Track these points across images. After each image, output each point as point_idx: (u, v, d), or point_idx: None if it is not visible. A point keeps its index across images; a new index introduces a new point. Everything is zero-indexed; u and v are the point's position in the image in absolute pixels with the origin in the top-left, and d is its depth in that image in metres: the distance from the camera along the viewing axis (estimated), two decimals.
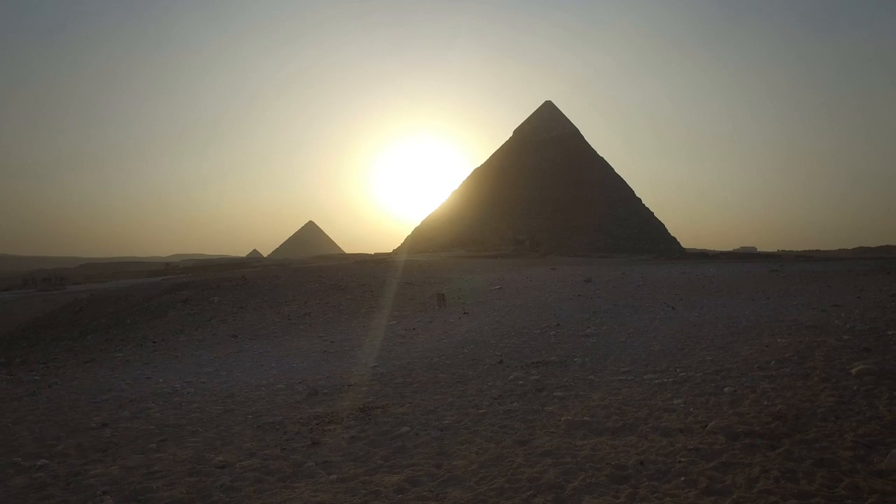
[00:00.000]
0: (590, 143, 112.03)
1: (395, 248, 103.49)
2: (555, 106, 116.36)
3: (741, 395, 7.09)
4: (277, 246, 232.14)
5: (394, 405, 7.89)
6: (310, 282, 28.53)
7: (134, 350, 16.62)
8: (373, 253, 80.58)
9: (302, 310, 20.69)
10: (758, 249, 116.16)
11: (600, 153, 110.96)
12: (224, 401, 9.05)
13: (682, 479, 4.79)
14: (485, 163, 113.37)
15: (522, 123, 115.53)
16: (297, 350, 13.69)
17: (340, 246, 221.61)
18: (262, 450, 6.33)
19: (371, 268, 37.96)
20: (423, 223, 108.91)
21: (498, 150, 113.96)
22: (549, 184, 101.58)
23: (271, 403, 8.63)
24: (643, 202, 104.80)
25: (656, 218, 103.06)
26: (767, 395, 6.91)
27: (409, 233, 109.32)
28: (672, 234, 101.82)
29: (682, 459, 5.16)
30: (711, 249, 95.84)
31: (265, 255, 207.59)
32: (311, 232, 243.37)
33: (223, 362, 12.85)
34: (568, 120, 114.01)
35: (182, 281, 37.83)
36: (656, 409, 6.84)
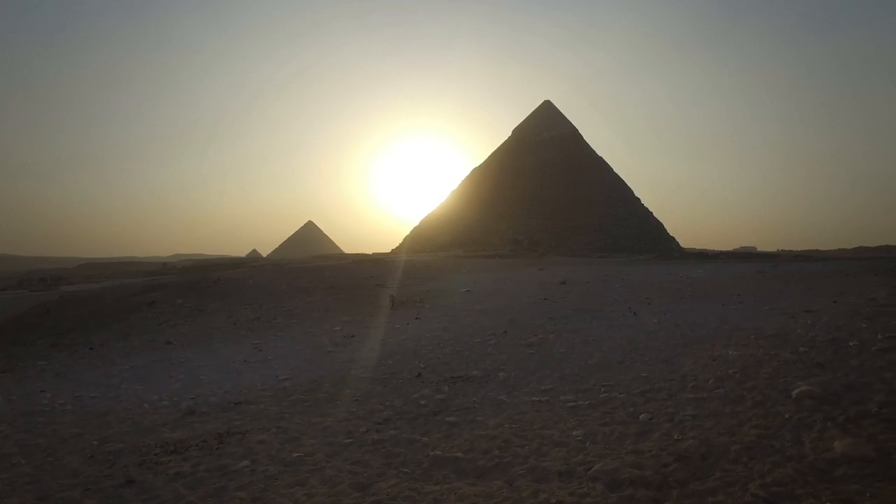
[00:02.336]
0: (590, 143, 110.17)
1: (393, 248, 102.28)
2: (554, 105, 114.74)
3: (655, 424, 5.97)
4: (277, 246, 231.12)
5: (259, 430, 6.81)
6: (279, 284, 27.47)
7: (64, 357, 15.66)
8: (371, 253, 79.35)
9: (254, 314, 19.67)
10: (758, 249, 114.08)
11: (600, 153, 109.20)
12: (91, 421, 8.02)
13: None
14: (484, 162, 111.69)
15: (521, 123, 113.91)
16: (221, 359, 12.65)
17: (340, 246, 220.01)
18: (63, 491, 5.28)
19: (354, 268, 36.85)
20: (422, 223, 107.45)
21: (497, 150, 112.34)
22: (549, 184, 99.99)
23: (134, 426, 7.58)
24: (643, 202, 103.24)
25: (656, 218, 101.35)
26: (683, 426, 5.79)
27: (409, 233, 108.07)
28: (672, 234, 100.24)
29: None
30: (711, 249, 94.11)
31: (265, 255, 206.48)
32: (310, 232, 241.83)
33: (133, 373, 11.83)
34: (567, 120, 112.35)
35: (160, 282, 36.84)
36: (548, 441, 5.73)
